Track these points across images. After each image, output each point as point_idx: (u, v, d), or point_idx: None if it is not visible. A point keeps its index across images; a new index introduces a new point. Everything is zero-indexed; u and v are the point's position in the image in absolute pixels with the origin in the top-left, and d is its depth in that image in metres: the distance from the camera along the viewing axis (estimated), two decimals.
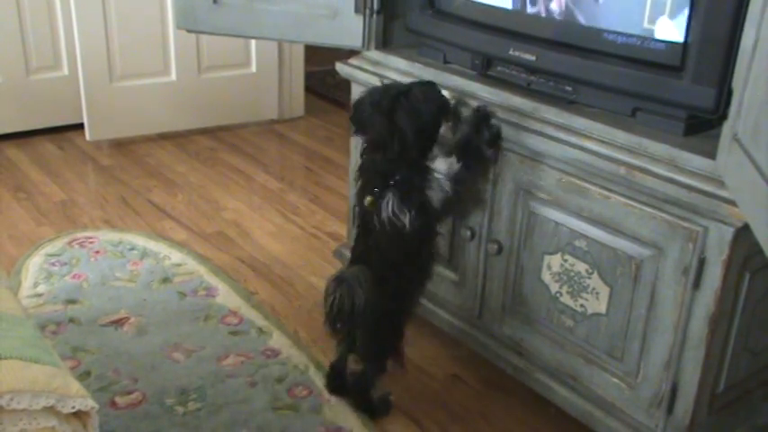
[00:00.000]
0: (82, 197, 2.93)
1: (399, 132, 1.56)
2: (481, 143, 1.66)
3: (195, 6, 2.13)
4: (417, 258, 1.71)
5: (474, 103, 1.71)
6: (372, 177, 1.64)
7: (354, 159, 2.12)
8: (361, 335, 1.71)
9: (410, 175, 1.60)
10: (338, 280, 1.59)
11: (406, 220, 1.59)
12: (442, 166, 1.63)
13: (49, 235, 2.60)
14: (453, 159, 1.64)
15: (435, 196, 1.61)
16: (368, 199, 1.63)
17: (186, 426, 1.74)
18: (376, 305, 1.61)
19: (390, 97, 1.58)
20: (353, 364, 1.78)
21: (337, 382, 1.84)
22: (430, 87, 1.64)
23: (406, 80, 1.78)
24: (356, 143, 2.09)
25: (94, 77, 3.25)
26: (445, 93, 1.71)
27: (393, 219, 1.60)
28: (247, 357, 1.99)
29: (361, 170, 1.69)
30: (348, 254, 2.22)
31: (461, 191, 1.66)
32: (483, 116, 1.66)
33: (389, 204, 1.59)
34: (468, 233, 1.82)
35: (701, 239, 1.37)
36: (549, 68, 1.63)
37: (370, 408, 1.80)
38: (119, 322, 2.11)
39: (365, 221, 1.68)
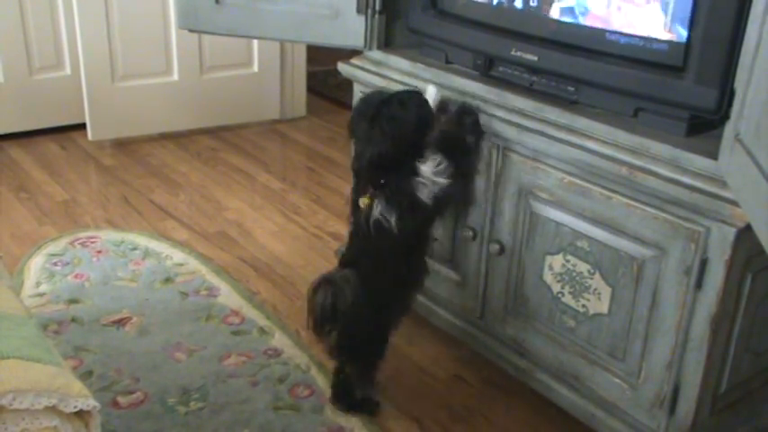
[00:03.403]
0: (84, 197, 2.93)
1: (378, 140, 1.58)
2: (462, 134, 1.69)
3: (197, 6, 2.13)
4: (407, 263, 1.71)
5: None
6: (363, 180, 1.67)
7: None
8: (344, 337, 1.70)
9: (396, 179, 1.61)
10: (324, 281, 1.61)
11: (393, 222, 1.60)
12: (429, 166, 1.62)
13: (52, 235, 2.60)
14: (437, 159, 1.63)
15: (425, 197, 1.61)
16: (364, 200, 1.64)
17: (188, 425, 1.74)
18: (361, 309, 1.62)
19: (373, 105, 1.62)
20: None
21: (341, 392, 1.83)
22: (411, 96, 1.66)
23: (404, 84, 1.80)
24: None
25: (97, 77, 3.25)
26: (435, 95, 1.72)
27: (381, 221, 1.61)
28: (249, 357, 1.99)
29: (354, 173, 1.71)
30: None
31: (450, 190, 1.65)
32: (464, 109, 1.70)
33: (377, 207, 1.61)
34: (470, 233, 1.82)
35: (703, 240, 1.37)
36: (552, 69, 1.63)
37: (354, 407, 1.80)
38: (121, 322, 2.12)
39: (357, 224, 1.69)
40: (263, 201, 2.96)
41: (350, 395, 1.80)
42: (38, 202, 2.86)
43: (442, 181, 1.62)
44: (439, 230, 1.84)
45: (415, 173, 1.61)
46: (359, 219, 1.67)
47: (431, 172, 1.62)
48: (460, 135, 1.69)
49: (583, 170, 1.55)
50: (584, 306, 1.62)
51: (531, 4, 1.66)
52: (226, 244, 2.61)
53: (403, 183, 1.61)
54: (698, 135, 1.44)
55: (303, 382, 1.90)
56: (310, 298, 1.61)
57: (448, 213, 1.82)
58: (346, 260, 1.72)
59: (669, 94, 1.43)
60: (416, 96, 1.66)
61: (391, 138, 1.58)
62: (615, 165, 1.47)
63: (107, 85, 3.29)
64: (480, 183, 1.78)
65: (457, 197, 1.73)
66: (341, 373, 1.81)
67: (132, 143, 3.46)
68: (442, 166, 1.62)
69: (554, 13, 1.62)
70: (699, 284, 1.40)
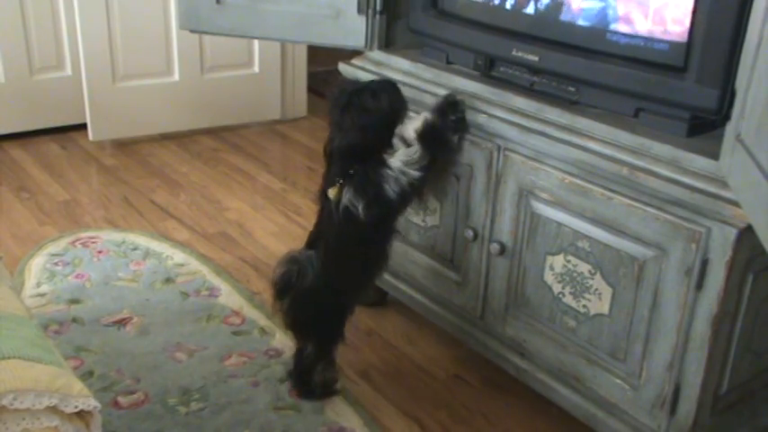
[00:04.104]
0: (85, 197, 2.93)
1: (348, 128, 1.61)
2: (446, 129, 1.69)
3: (198, 7, 2.13)
4: (367, 252, 1.74)
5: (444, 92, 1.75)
6: (333, 167, 1.69)
7: None
8: (294, 311, 1.73)
9: (365, 168, 1.63)
10: (290, 259, 1.67)
11: (360, 210, 1.62)
12: (400, 156, 1.64)
13: (52, 235, 2.60)
14: (413, 149, 1.64)
15: (391, 189, 1.63)
16: (332, 190, 1.66)
17: (189, 426, 1.74)
18: (318, 289, 1.66)
19: (346, 94, 1.64)
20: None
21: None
22: (385, 86, 1.67)
23: (403, 84, 1.80)
24: None
25: (97, 77, 3.25)
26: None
27: (350, 207, 1.63)
28: (250, 357, 1.99)
29: (326, 158, 1.73)
30: None
31: (420, 183, 1.66)
32: (450, 102, 1.70)
33: (346, 194, 1.63)
34: (471, 233, 1.82)
35: (703, 240, 1.37)
36: (553, 69, 1.63)
37: (307, 390, 1.82)
38: (121, 322, 2.12)
39: (323, 208, 1.73)
40: (263, 201, 2.96)
41: (306, 380, 1.82)
42: (38, 202, 2.86)
43: (412, 173, 1.63)
44: (425, 220, 1.90)
45: (384, 164, 1.63)
46: (325, 204, 1.71)
47: (401, 163, 1.63)
48: (443, 129, 1.69)
49: (583, 170, 1.55)
50: (584, 306, 1.61)
51: (532, 3, 1.66)
52: (226, 244, 2.61)
53: (370, 173, 1.63)
54: (699, 135, 1.44)
55: None
56: (274, 271, 1.67)
57: (416, 206, 1.83)
58: (311, 241, 1.76)
59: (670, 94, 1.43)
60: (389, 87, 1.67)
61: (359, 128, 1.60)
62: (616, 165, 1.47)
63: (108, 86, 3.29)
64: (480, 183, 1.78)
65: (423, 189, 1.73)
66: (301, 352, 1.84)
67: (133, 143, 3.46)
68: (416, 156, 1.63)
69: (555, 12, 1.62)
70: (700, 285, 1.40)
